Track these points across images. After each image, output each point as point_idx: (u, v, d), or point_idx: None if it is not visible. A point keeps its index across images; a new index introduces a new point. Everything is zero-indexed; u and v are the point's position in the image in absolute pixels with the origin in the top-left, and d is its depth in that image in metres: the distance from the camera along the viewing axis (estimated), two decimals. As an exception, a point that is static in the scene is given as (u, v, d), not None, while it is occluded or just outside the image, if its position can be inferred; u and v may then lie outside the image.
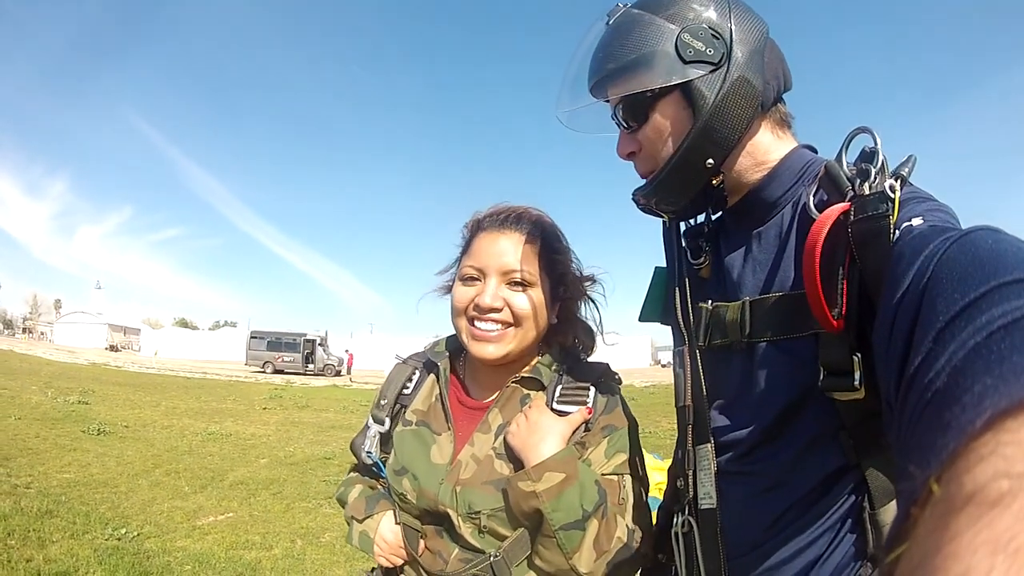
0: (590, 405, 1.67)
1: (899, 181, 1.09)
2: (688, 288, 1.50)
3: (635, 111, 1.37)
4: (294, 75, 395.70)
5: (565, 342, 1.86)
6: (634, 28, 1.30)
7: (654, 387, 33.37)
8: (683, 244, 1.55)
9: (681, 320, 1.50)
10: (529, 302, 1.71)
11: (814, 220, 1.12)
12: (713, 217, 1.53)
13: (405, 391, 1.94)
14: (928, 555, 0.36)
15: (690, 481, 1.43)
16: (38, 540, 6.03)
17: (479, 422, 1.76)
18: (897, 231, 1.03)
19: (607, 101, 1.42)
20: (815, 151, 1.39)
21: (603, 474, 1.62)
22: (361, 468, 2.04)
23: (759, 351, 1.30)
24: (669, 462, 1.70)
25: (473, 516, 1.61)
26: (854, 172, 1.16)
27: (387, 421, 1.90)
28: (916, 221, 1.01)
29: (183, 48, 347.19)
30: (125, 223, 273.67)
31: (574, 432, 1.64)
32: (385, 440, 1.91)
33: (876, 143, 1.16)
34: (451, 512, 1.64)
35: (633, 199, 1.46)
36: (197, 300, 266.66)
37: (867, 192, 1.11)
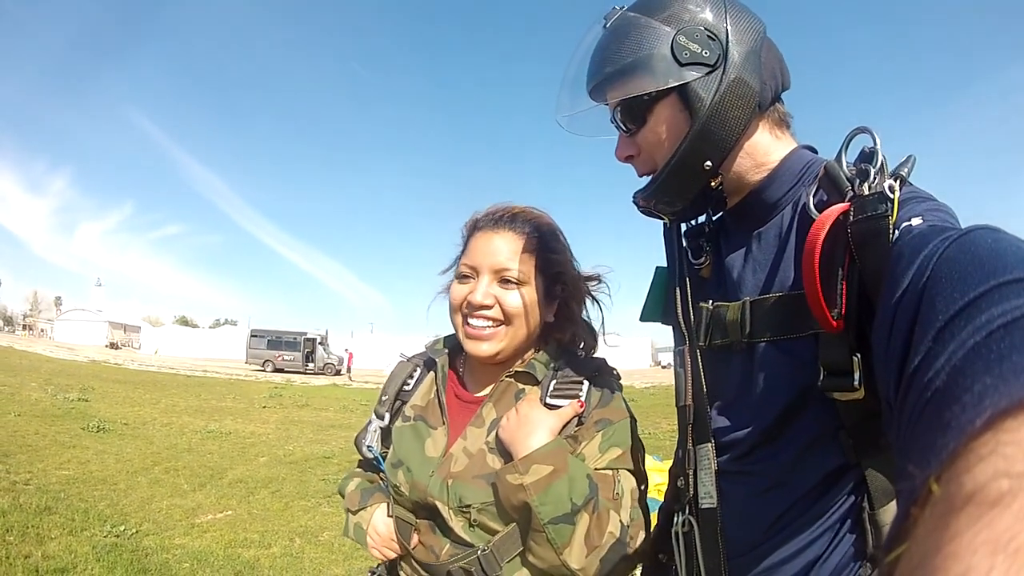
0: (582, 399, 1.67)
1: (898, 181, 1.09)
2: (689, 288, 1.50)
3: (633, 114, 1.38)
4: (296, 73, 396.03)
5: (563, 339, 1.87)
6: (630, 31, 1.31)
7: (654, 388, 33.44)
8: (684, 244, 1.55)
9: (682, 320, 1.51)
10: (520, 300, 1.73)
11: (814, 220, 1.12)
12: (714, 217, 1.52)
13: (406, 387, 1.97)
14: (928, 555, 0.36)
15: (690, 481, 1.43)
16: (37, 536, 6.05)
17: (473, 416, 1.77)
18: (896, 231, 1.03)
19: (606, 104, 1.42)
20: (815, 151, 1.39)
21: (597, 468, 1.61)
22: (364, 463, 2.08)
23: (759, 351, 1.30)
24: (669, 463, 1.70)
25: (464, 509, 1.62)
26: (854, 172, 1.16)
27: (387, 416, 1.93)
28: (915, 221, 1.02)
29: (185, 45, 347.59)
30: (126, 220, 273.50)
31: (565, 426, 1.64)
32: (386, 435, 1.94)
33: (876, 143, 1.16)
34: (440, 505, 1.65)
35: (634, 202, 1.47)
36: (198, 298, 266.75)
37: (866, 192, 1.11)
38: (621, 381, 1.86)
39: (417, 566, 1.72)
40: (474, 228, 1.85)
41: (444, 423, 1.80)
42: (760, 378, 1.30)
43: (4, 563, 5.32)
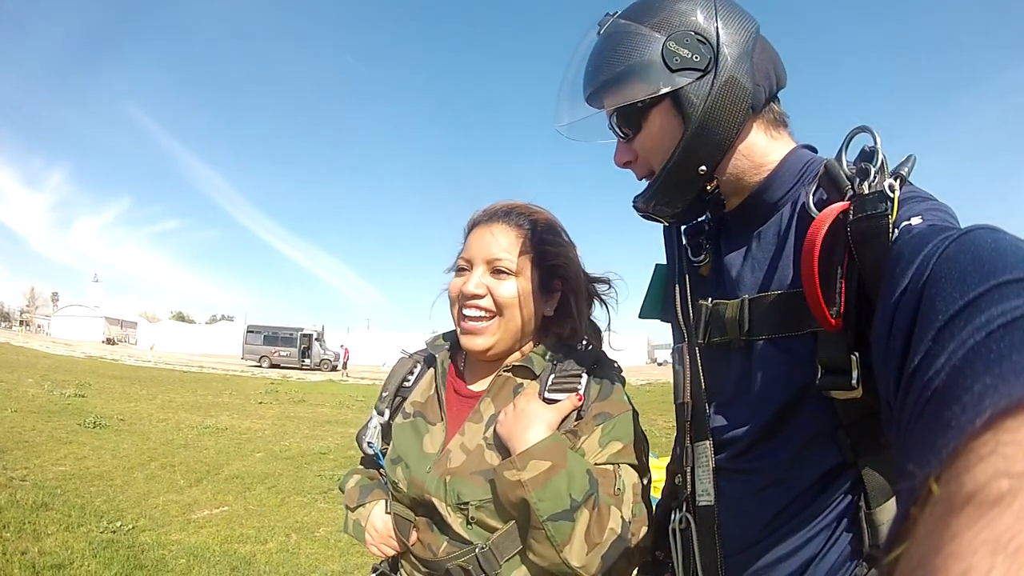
0: (580, 392, 1.66)
1: (898, 180, 1.09)
2: (688, 285, 1.50)
3: (628, 121, 1.38)
4: (294, 68, 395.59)
5: (562, 334, 1.86)
6: (622, 39, 1.31)
7: (650, 385, 33.40)
8: (683, 242, 1.55)
9: (681, 317, 1.50)
10: (512, 290, 1.73)
11: (813, 219, 1.12)
12: (713, 218, 1.52)
13: (406, 384, 1.97)
14: (928, 555, 0.36)
15: (688, 478, 1.43)
16: (33, 533, 6.05)
17: (471, 411, 1.77)
18: (896, 230, 1.02)
19: (602, 108, 1.42)
20: (815, 151, 1.38)
21: (597, 463, 1.60)
22: (366, 460, 2.07)
23: (757, 349, 1.30)
24: (665, 460, 1.70)
25: (462, 507, 1.61)
26: (854, 171, 1.15)
27: (387, 412, 1.93)
28: (915, 220, 1.01)
29: (183, 40, 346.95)
30: (123, 214, 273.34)
31: (564, 420, 1.63)
32: (386, 432, 1.93)
33: (876, 142, 1.15)
34: (437, 501, 1.64)
35: (633, 206, 1.47)
36: (195, 293, 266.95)
37: (866, 191, 1.10)
38: (621, 371, 1.85)
39: (417, 563, 1.72)
40: (472, 224, 1.86)
41: (443, 419, 1.79)
42: (758, 376, 1.29)
43: (1, 560, 5.32)
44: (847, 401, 1.13)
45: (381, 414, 1.93)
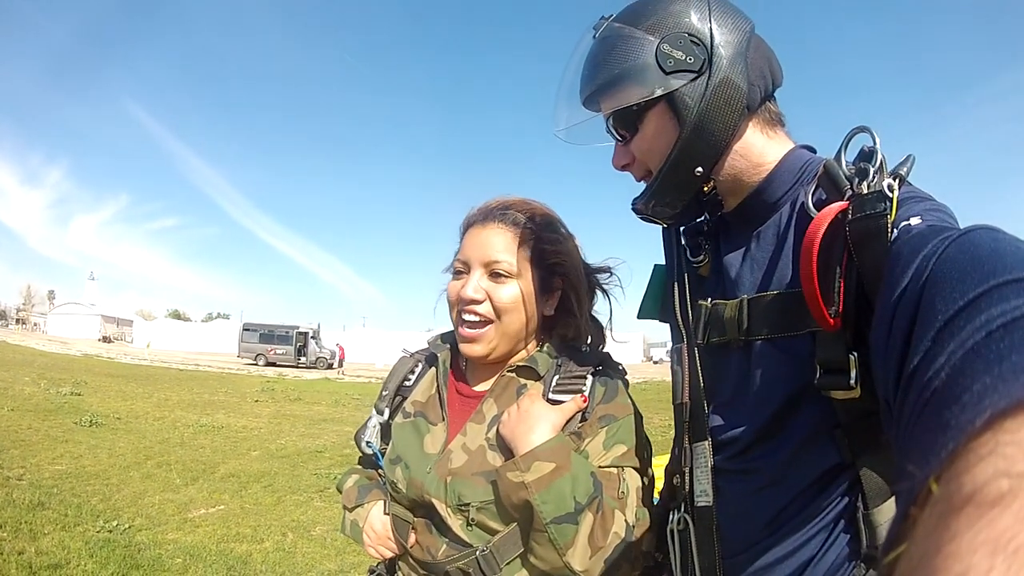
0: (586, 394, 1.65)
1: (897, 180, 1.09)
2: (687, 286, 1.50)
3: (625, 124, 1.39)
4: (293, 65, 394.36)
5: (566, 333, 1.84)
6: (617, 42, 1.31)
7: (646, 384, 33.37)
8: (682, 242, 1.55)
9: (680, 318, 1.50)
10: (511, 293, 1.71)
11: (812, 219, 1.12)
12: (712, 219, 1.52)
13: (406, 383, 1.95)
14: (927, 555, 0.36)
15: (687, 478, 1.43)
16: (30, 533, 6.04)
17: (473, 411, 1.75)
18: (895, 230, 1.02)
19: (599, 112, 1.42)
20: (814, 151, 1.38)
21: (601, 466, 1.59)
22: (364, 460, 2.05)
23: (756, 349, 1.30)
24: (661, 458, 1.70)
25: (462, 508, 1.59)
26: (853, 171, 1.15)
27: (387, 412, 1.91)
28: (914, 220, 1.01)
29: (182, 37, 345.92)
30: (121, 212, 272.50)
31: (568, 422, 1.61)
32: (385, 431, 1.92)
33: (875, 142, 1.15)
34: (437, 503, 1.62)
35: (633, 208, 1.47)
36: (192, 291, 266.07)
37: (865, 191, 1.10)
38: (626, 372, 1.84)
39: (415, 565, 1.70)
40: (468, 223, 1.83)
41: (444, 419, 1.77)
42: (757, 376, 1.29)
43: (-3, 559, 5.30)
44: (845, 401, 1.13)
45: (381, 413, 1.91)
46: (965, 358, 0.57)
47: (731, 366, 1.37)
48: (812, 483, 1.21)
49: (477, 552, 1.57)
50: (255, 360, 52.48)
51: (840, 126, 1.30)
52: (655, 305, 1.66)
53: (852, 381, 1.09)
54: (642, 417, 1.74)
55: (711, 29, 1.26)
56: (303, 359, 53.22)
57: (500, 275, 1.71)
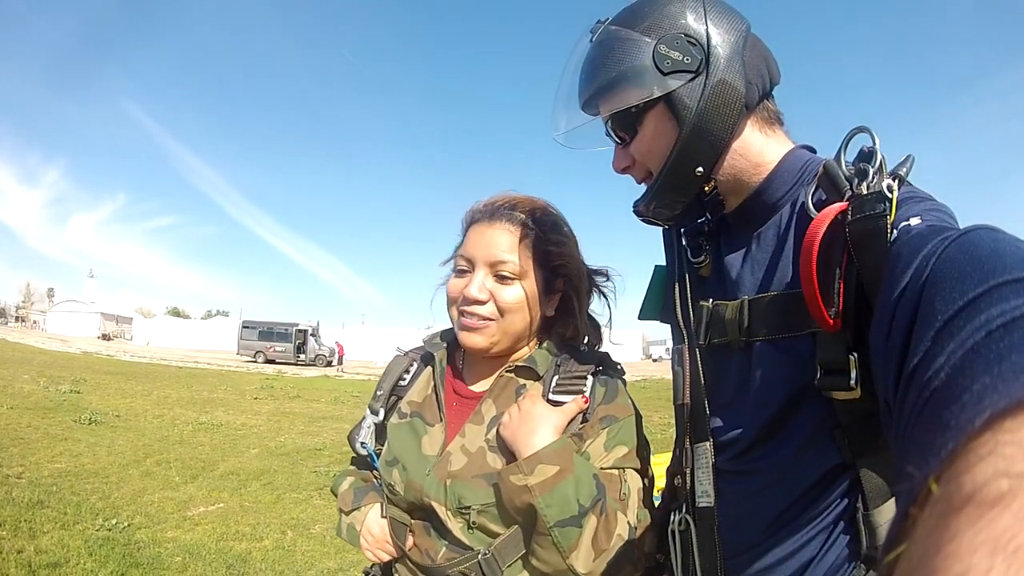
0: (587, 394, 1.64)
1: (897, 181, 1.09)
2: (688, 287, 1.51)
3: (624, 126, 1.39)
4: (291, 63, 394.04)
5: (565, 333, 1.84)
6: (614, 45, 1.32)
7: (645, 381, 33.40)
8: (683, 243, 1.55)
9: (681, 319, 1.51)
10: (516, 295, 1.69)
11: (812, 219, 1.12)
12: (712, 219, 1.52)
13: (401, 382, 1.93)
14: (927, 555, 0.36)
15: (688, 479, 1.43)
16: (29, 531, 6.04)
17: (472, 412, 1.73)
18: (895, 231, 1.03)
19: (597, 115, 1.42)
20: (814, 151, 1.38)
21: (602, 468, 1.58)
22: (358, 461, 2.03)
23: (757, 350, 1.30)
24: (660, 457, 1.70)
25: (463, 511, 1.58)
26: (852, 172, 1.15)
27: (382, 412, 1.89)
28: (914, 220, 1.02)
29: (179, 36, 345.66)
30: (119, 210, 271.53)
31: (570, 423, 1.60)
32: (380, 432, 1.90)
33: (875, 143, 1.16)
34: (437, 506, 1.61)
35: (634, 211, 1.47)
36: (190, 289, 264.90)
37: (865, 192, 1.10)
38: (624, 372, 1.83)
39: (414, 568, 1.68)
40: (472, 219, 1.81)
41: (441, 420, 1.75)
42: (758, 377, 1.29)
43: (-3, 557, 5.31)
44: (846, 402, 1.13)
45: (375, 413, 1.90)
46: (965, 358, 0.57)
47: (732, 367, 1.37)
48: (813, 484, 1.21)
49: (479, 556, 1.55)
50: (254, 357, 52.41)
51: (839, 124, 1.30)
52: (656, 306, 1.66)
53: (852, 382, 1.10)
54: (641, 417, 1.73)
55: (707, 29, 1.26)
56: (302, 356, 53.14)
57: (505, 276, 1.69)
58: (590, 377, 1.68)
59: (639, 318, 1.71)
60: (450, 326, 1.88)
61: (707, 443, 1.40)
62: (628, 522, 1.52)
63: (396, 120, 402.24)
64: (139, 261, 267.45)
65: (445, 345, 1.91)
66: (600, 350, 1.90)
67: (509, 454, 1.57)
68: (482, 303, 1.68)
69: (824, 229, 1.08)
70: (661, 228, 1.59)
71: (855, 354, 1.10)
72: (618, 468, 1.60)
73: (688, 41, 1.25)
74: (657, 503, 1.67)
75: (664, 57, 1.25)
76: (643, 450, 1.67)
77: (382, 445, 1.87)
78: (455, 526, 1.59)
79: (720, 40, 1.26)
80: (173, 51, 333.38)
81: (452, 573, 1.58)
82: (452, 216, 1.90)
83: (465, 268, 1.74)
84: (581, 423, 1.63)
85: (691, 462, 1.42)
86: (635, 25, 1.30)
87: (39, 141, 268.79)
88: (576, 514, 1.43)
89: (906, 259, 0.87)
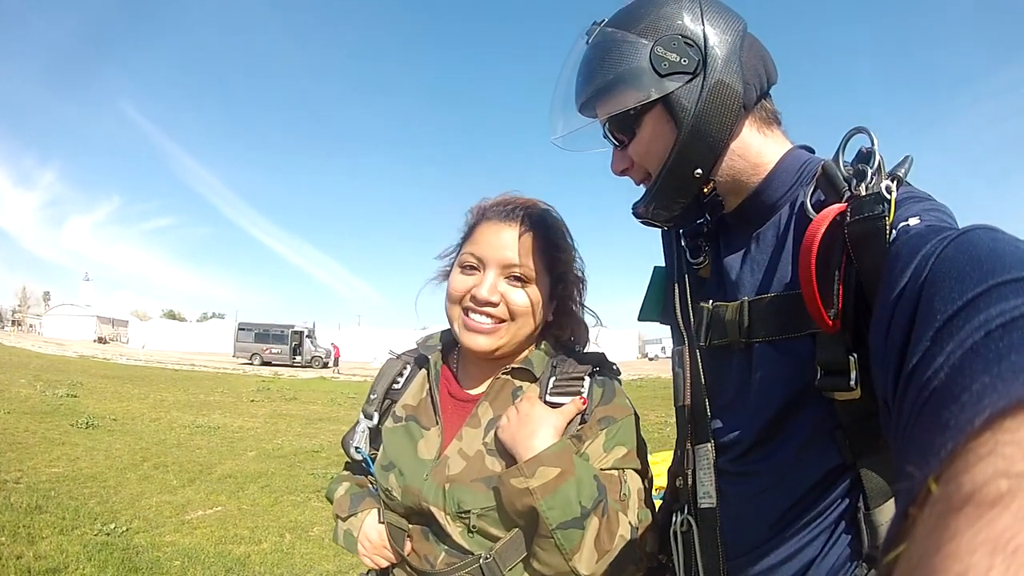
0: (584, 395, 1.63)
1: (895, 182, 1.09)
2: (688, 288, 1.50)
3: (622, 128, 1.39)
4: (285, 64, 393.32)
5: (561, 335, 1.83)
6: (610, 47, 1.31)
7: (641, 380, 33.40)
8: (682, 243, 1.55)
9: (681, 320, 1.50)
10: (526, 299, 1.68)
11: (811, 220, 1.12)
12: (712, 220, 1.52)
13: (395, 386, 1.91)
14: (927, 555, 0.36)
15: (690, 480, 1.43)
16: (28, 536, 6.03)
17: (468, 415, 1.72)
18: (894, 231, 1.02)
19: (595, 117, 1.42)
20: (812, 151, 1.38)
21: (602, 469, 1.57)
22: (353, 465, 2.01)
23: (757, 351, 1.30)
24: (656, 455, 1.69)
25: (463, 515, 1.57)
26: (851, 172, 1.15)
27: (376, 416, 1.87)
28: (913, 221, 1.02)
29: (175, 37, 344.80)
30: (114, 212, 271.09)
31: (568, 424, 1.59)
32: (375, 436, 1.88)
33: (873, 143, 1.15)
34: (435, 510, 1.60)
35: (633, 213, 1.47)
36: (186, 291, 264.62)
37: (863, 193, 1.10)
38: (620, 373, 1.82)
39: (412, 573, 1.67)
40: (482, 216, 1.78)
41: (438, 423, 1.74)
42: (758, 378, 1.29)
43: (-4, 563, 5.30)
44: (846, 402, 1.14)
45: (369, 417, 1.88)
46: (964, 358, 0.57)
47: (732, 368, 1.37)
48: (814, 484, 1.21)
49: (480, 560, 1.54)
50: (251, 360, 52.33)
51: (838, 124, 1.30)
52: (655, 307, 1.65)
53: (852, 382, 1.10)
54: (639, 417, 1.72)
55: (704, 30, 1.26)
56: (298, 358, 53.10)
57: (516, 279, 1.68)
58: (587, 378, 1.67)
59: (639, 319, 1.70)
60: (444, 327, 1.87)
61: (708, 444, 1.40)
62: (629, 522, 1.51)
63: (392, 119, 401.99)
64: (135, 263, 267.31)
65: (440, 347, 1.89)
66: (596, 350, 1.88)
67: (508, 457, 1.56)
68: (494, 305, 1.66)
69: (823, 231, 1.08)
70: (660, 229, 1.58)
71: (855, 355, 1.10)
72: (618, 469, 1.59)
73: (685, 42, 1.25)
74: (656, 502, 1.67)
75: (661, 59, 1.25)
76: (642, 450, 1.66)
77: (377, 449, 1.85)
78: (454, 530, 1.58)
79: (717, 41, 1.26)
80: (169, 51, 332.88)
81: None
82: (448, 215, 1.90)
83: (474, 266, 1.71)
84: (579, 424, 1.62)
85: (693, 463, 1.42)
86: (631, 27, 1.29)
87: (35, 143, 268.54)
88: (578, 516, 1.42)
89: (905, 259, 0.87)
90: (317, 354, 54.28)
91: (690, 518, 1.43)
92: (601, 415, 1.63)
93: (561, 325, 1.83)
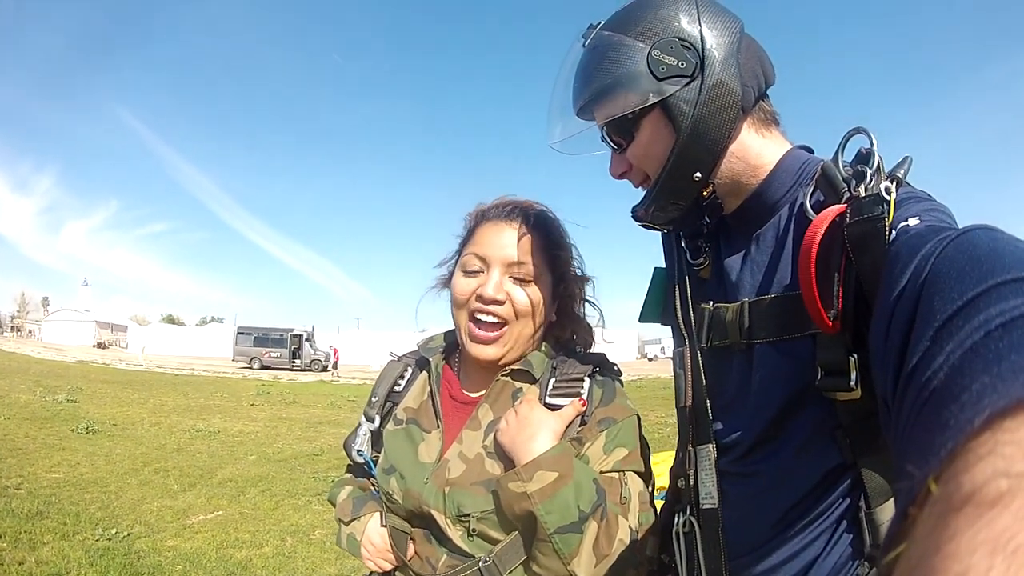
0: (584, 397, 1.62)
1: (894, 183, 1.09)
2: (688, 289, 1.50)
3: (620, 132, 1.38)
4: (280, 68, 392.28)
5: (562, 336, 1.83)
6: (607, 51, 1.30)
7: (641, 381, 33.38)
8: (683, 245, 1.55)
9: (681, 321, 1.50)
10: (530, 298, 1.68)
11: (811, 221, 1.12)
12: (711, 222, 1.52)
13: (396, 388, 1.91)
14: (926, 555, 0.36)
15: (691, 481, 1.42)
16: (30, 542, 6.03)
17: (468, 418, 1.72)
18: (893, 232, 1.02)
19: (593, 121, 1.42)
20: (811, 151, 1.38)
21: (602, 471, 1.56)
22: (354, 468, 2.01)
23: (758, 352, 1.30)
24: (657, 455, 1.69)
25: (463, 519, 1.56)
26: (850, 173, 1.15)
27: (377, 419, 1.87)
28: (913, 221, 1.01)
29: (170, 42, 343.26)
30: (112, 217, 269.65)
31: (568, 427, 1.58)
32: (376, 439, 1.88)
33: (872, 144, 1.15)
34: (436, 514, 1.59)
35: (633, 216, 1.47)
36: (184, 295, 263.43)
37: (863, 194, 1.10)
38: (621, 373, 1.82)
39: None
40: (482, 218, 1.79)
41: (438, 426, 1.74)
42: (759, 378, 1.29)
43: (-2, 569, 5.29)
44: (847, 402, 1.14)
45: (371, 420, 1.88)
46: (964, 358, 0.57)
47: (733, 369, 1.37)
48: (815, 484, 1.21)
49: (480, 563, 1.54)
50: (250, 363, 52.45)
51: (837, 123, 1.30)
52: (656, 309, 1.65)
53: (852, 383, 1.10)
54: (640, 418, 1.71)
55: (701, 32, 1.25)
56: (298, 362, 53.24)
57: (520, 278, 1.69)
58: (587, 379, 1.67)
59: (639, 320, 1.70)
60: (444, 330, 1.87)
61: (710, 445, 1.40)
62: (630, 526, 1.51)
63: (387, 122, 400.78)
64: (133, 267, 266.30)
65: (442, 349, 1.89)
66: (596, 351, 1.88)
67: (507, 460, 1.55)
68: (500, 303, 1.66)
69: (822, 232, 1.08)
70: (660, 232, 1.58)
71: (855, 355, 1.10)
72: (618, 471, 1.58)
73: (682, 45, 1.25)
74: (658, 502, 1.67)
75: (659, 62, 1.24)
76: (644, 452, 1.66)
77: (378, 452, 1.85)
78: (455, 534, 1.58)
79: (715, 43, 1.25)
80: (164, 56, 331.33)
81: None
82: (445, 216, 1.92)
83: (478, 268, 1.71)
84: (580, 426, 1.61)
85: (694, 464, 1.42)
86: (628, 30, 1.29)
87: (31, 149, 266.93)
88: (576, 520, 1.41)
89: (905, 259, 0.87)
90: (316, 357, 54.38)
91: (692, 519, 1.43)
92: (601, 416, 1.63)
93: (562, 325, 1.83)
